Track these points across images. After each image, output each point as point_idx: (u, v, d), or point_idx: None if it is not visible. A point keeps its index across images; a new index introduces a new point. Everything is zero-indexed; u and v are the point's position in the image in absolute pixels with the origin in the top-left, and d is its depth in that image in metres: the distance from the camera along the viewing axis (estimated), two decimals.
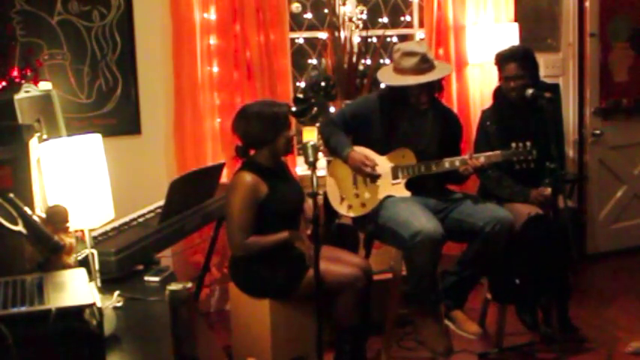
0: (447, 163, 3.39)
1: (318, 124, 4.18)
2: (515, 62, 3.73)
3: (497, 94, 3.89)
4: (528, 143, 3.39)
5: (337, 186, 3.50)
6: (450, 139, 3.54)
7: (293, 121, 4.36)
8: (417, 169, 3.40)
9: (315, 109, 4.24)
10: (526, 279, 3.60)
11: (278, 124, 3.17)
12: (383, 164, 3.42)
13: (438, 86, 3.46)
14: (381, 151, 3.44)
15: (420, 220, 3.16)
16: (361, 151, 3.43)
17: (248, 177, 3.13)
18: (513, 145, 3.40)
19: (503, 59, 3.80)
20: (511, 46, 3.93)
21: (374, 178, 3.41)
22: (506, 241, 3.27)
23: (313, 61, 4.75)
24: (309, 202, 3.24)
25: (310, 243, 3.02)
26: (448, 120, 3.59)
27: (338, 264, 3.16)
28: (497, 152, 3.43)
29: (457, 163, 3.38)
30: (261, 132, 3.16)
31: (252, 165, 3.20)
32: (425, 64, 3.33)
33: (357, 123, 3.47)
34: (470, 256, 3.39)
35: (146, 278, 2.66)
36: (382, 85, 4.52)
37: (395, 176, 3.41)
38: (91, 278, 2.17)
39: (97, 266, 2.31)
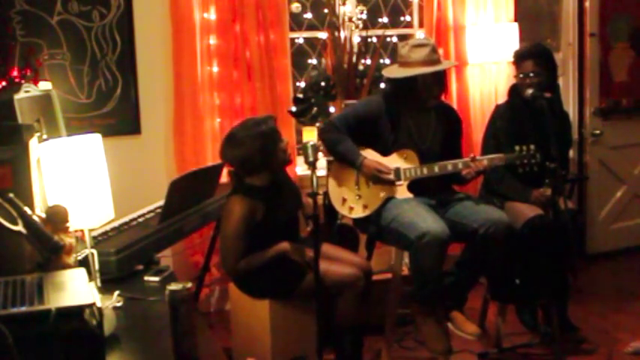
0: (449, 166, 3.38)
1: (317, 125, 4.18)
2: (532, 60, 3.69)
3: (512, 92, 3.84)
4: (532, 146, 3.37)
5: (339, 187, 3.49)
6: (453, 137, 3.54)
7: (292, 123, 4.38)
8: (419, 170, 3.39)
9: (315, 109, 4.23)
10: (526, 279, 3.60)
11: (271, 142, 3.11)
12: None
13: (444, 85, 3.47)
14: (384, 152, 3.42)
15: (427, 221, 3.16)
16: (365, 152, 3.41)
17: (243, 204, 3.07)
18: (517, 148, 3.38)
19: (520, 56, 3.76)
20: (530, 44, 3.91)
21: (392, 183, 3.37)
22: (503, 243, 3.25)
23: (313, 61, 4.75)
24: (308, 200, 3.23)
25: (309, 252, 2.99)
26: (450, 118, 3.58)
27: (338, 264, 3.16)
28: (501, 155, 3.41)
29: (460, 166, 3.37)
30: (258, 156, 3.08)
31: (247, 189, 3.13)
32: (435, 55, 3.35)
33: (363, 126, 3.43)
34: (466, 257, 3.39)
35: (146, 278, 2.66)
36: (382, 86, 4.54)
37: (397, 177, 3.41)
38: (91, 278, 2.17)
39: (97, 266, 2.31)
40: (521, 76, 3.72)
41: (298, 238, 3.36)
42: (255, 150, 3.08)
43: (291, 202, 3.28)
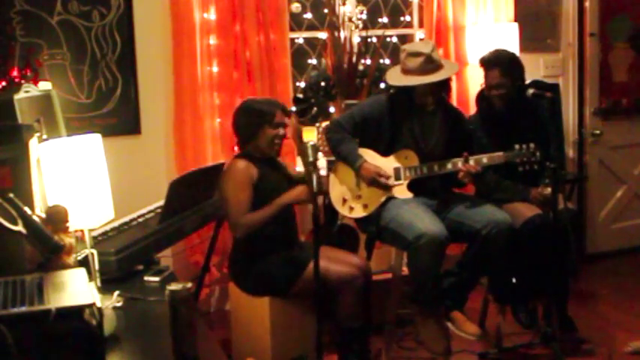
0: (449, 165, 3.38)
1: (323, 125, 4.18)
2: (499, 69, 3.62)
3: (480, 100, 3.80)
4: (532, 145, 3.36)
5: (339, 187, 3.50)
6: (458, 141, 3.49)
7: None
8: (419, 170, 3.39)
9: (315, 109, 4.23)
10: (523, 279, 3.60)
11: (259, 121, 3.26)
12: (386, 165, 3.41)
13: (445, 87, 3.44)
14: (385, 152, 3.43)
15: (424, 222, 3.16)
16: (365, 153, 3.43)
17: (239, 162, 3.25)
18: (517, 146, 3.38)
19: (486, 65, 3.69)
20: (496, 52, 3.75)
21: (389, 188, 3.38)
22: (505, 244, 3.26)
23: (313, 61, 4.75)
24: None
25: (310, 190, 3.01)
26: (456, 122, 3.56)
27: (337, 263, 3.17)
28: (500, 153, 3.40)
29: (460, 164, 3.37)
30: (244, 126, 3.31)
31: (245, 154, 3.31)
32: (430, 65, 3.30)
33: (367, 125, 3.45)
34: (468, 258, 3.39)
35: (146, 278, 2.66)
36: (382, 86, 4.54)
37: (397, 177, 3.41)
38: (91, 278, 2.17)
39: (97, 266, 2.31)
40: (488, 89, 3.66)
41: (296, 239, 3.37)
42: (242, 122, 3.33)
43: (285, 184, 3.32)
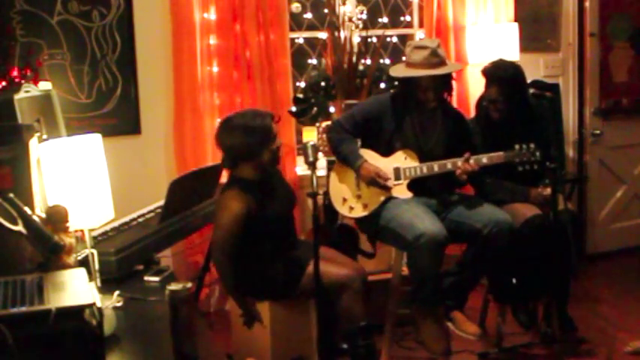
0: (449, 164, 3.37)
1: (323, 125, 4.19)
2: (497, 88, 3.59)
3: (479, 107, 3.79)
4: (532, 145, 3.36)
5: (340, 187, 3.50)
6: (458, 141, 3.48)
7: (291, 123, 4.38)
8: (419, 170, 3.39)
9: (315, 109, 4.24)
10: (523, 279, 3.60)
11: (262, 138, 3.05)
12: (386, 165, 3.41)
13: (447, 86, 3.43)
14: (386, 152, 3.43)
15: (424, 222, 3.16)
16: (366, 153, 3.43)
17: (239, 199, 3.02)
18: (517, 146, 3.38)
19: (486, 79, 3.66)
20: (498, 67, 3.67)
21: (388, 189, 3.39)
22: (505, 243, 3.26)
23: (313, 61, 4.74)
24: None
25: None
26: (457, 122, 3.56)
27: (334, 265, 3.15)
28: (500, 153, 3.39)
29: (459, 164, 3.36)
30: (244, 146, 3.03)
31: (240, 182, 3.09)
32: (434, 59, 3.30)
33: (368, 124, 3.45)
34: (469, 258, 3.39)
35: (146, 278, 2.66)
36: (382, 85, 4.54)
37: (397, 177, 3.41)
38: (91, 278, 2.17)
39: (97, 266, 2.31)
40: (486, 101, 3.66)
41: (295, 240, 3.36)
42: (242, 142, 3.04)
43: (282, 207, 3.23)
